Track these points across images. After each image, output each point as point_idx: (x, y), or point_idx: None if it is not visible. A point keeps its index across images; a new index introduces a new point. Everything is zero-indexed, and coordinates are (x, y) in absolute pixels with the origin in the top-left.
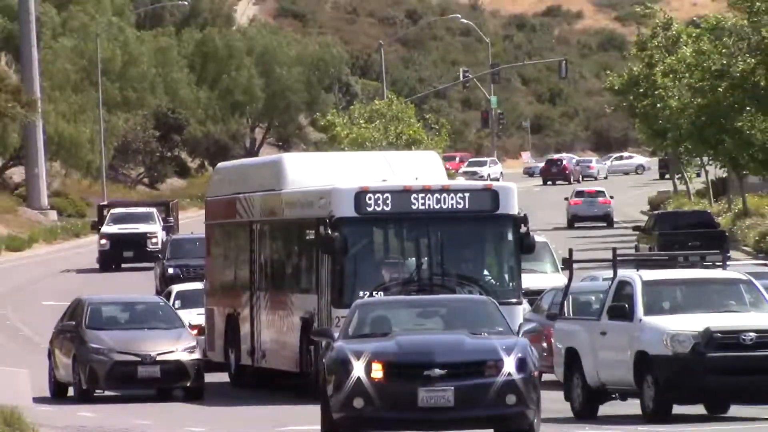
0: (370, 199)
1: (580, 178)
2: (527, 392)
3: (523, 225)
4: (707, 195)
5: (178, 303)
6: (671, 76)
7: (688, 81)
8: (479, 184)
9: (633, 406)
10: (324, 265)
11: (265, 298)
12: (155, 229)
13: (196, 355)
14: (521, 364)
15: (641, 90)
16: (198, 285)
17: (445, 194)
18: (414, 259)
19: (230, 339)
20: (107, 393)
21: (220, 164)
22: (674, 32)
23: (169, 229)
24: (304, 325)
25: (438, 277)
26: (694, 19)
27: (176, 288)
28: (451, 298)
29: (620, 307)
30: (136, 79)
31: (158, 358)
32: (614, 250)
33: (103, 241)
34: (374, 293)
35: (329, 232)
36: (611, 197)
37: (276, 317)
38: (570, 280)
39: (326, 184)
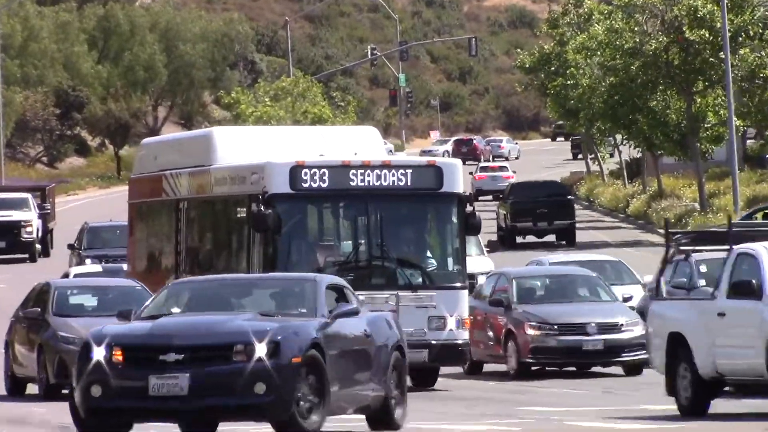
0: (306, 174)
1: (491, 158)
2: (283, 380)
3: (468, 204)
4: (621, 176)
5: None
6: (583, 54)
7: (600, 59)
8: (422, 159)
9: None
10: (256, 245)
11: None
12: (30, 216)
13: None
14: (275, 350)
15: (552, 68)
16: (96, 267)
17: (386, 170)
18: (351, 239)
19: None
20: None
21: (145, 140)
22: (586, 9)
23: (45, 216)
24: None
25: (377, 259)
26: None
27: (74, 270)
28: (269, 276)
29: (746, 284)
30: (37, 55)
31: None
32: (729, 218)
33: None
34: None
35: (262, 209)
36: (514, 172)
37: None
38: (667, 253)
39: (259, 159)
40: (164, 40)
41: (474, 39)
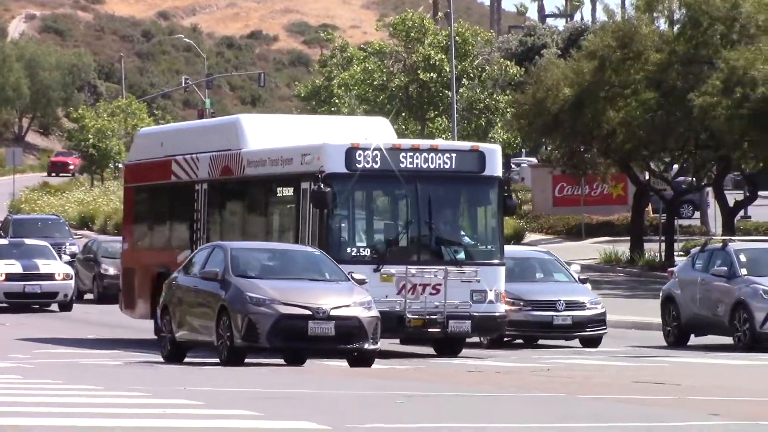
0: (359, 155)
1: None
2: None
3: (505, 187)
4: None
5: None
6: (344, 88)
7: (357, 92)
8: (466, 144)
9: None
10: (307, 220)
11: None
12: None
13: (374, 312)
14: None
15: (322, 98)
16: (2, 241)
17: (433, 153)
18: (401, 217)
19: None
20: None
21: (144, 129)
22: (348, 54)
23: None
24: None
25: (426, 237)
26: (362, 45)
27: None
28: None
29: None
30: None
31: (332, 313)
32: None
33: None
34: (362, 251)
35: (321, 186)
36: None
37: None
38: None
39: (285, 144)
40: (28, 67)
41: (262, 74)
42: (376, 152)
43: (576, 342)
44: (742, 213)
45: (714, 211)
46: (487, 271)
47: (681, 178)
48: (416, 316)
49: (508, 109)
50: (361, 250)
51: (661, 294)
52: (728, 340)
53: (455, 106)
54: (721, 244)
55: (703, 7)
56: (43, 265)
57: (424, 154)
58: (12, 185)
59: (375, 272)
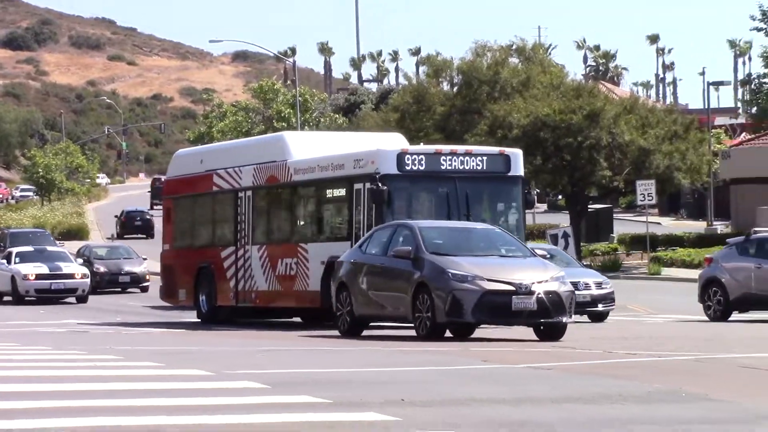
0: (408, 159)
1: None
2: None
3: (526, 185)
4: None
5: (17, 259)
6: (221, 134)
7: (231, 137)
8: (495, 149)
9: None
10: (362, 214)
11: (260, 250)
12: None
13: (569, 287)
14: None
15: (207, 141)
16: (28, 248)
17: (467, 157)
18: (444, 210)
19: (202, 286)
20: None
21: (180, 150)
22: (224, 109)
23: None
24: (327, 267)
25: None
26: (233, 103)
27: (15, 250)
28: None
29: None
30: None
31: (533, 288)
32: None
33: None
34: None
35: (379, 185)
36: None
37: (281, 265)
38: None
39: (322, 155)
40: None
41: (162, 124)
42: (421, 156)
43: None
44: None
45: None
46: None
47: None
48: None
49: None
50: None
51: (700, 278)
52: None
53: None
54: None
55: (473, 74)
56: (65, 267)
57: (461, 158)
58: None
59: None
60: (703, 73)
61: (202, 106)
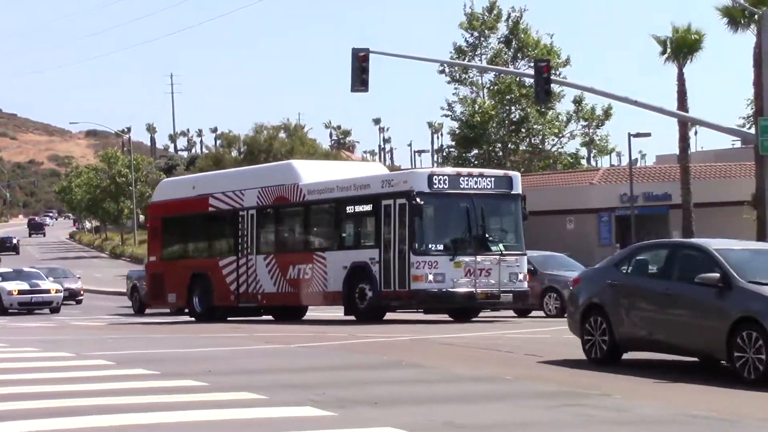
0: (435, 179)
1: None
2: None
3: (524, 202)
4: None
5: (0, 279)
6: (78, 187)
7: (85, 189)
8: (500, 172)
9: None
10: (391, 227)
11: (266, 259)
12: None
13: None
14: None
15: (67, 193)
16: (8, 270)
17: (480, 178)
18: (465, 222)
19: (196, 290)
20: None
21: (165, 180)
22: (80, 170)
23: None
24: (350, 272)
25: (482, 236)
26: (87, 165)
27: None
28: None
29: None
30: None
31: None
32: None
33: None
34: (439, 246)
35: (417, 200)
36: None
37: (293, 270)
38: None
39: (323, 179)
40: None
41: (35, 180)
42: (445, 177)
43: None
44: None
45: None
46: (518, 259)
47: None
48: (481, 291)
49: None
50: (439, 245)
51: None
52: None
53: (135, 198)
54: None
55: (255, 145)
56: (42, 284)
57: (475, 178)
58: None
59: (450, 261)
60: (410, 145)
61: (64, 168)
